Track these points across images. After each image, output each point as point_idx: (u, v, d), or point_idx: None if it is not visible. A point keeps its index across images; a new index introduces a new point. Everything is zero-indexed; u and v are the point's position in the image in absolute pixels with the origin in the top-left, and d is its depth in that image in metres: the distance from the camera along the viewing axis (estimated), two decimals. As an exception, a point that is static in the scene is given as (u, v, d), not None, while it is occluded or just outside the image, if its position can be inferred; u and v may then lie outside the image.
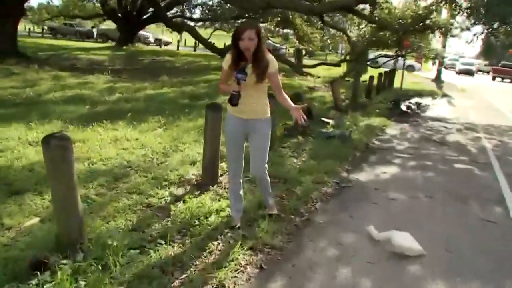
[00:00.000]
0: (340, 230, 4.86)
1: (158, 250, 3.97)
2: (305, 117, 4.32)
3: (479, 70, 51.80)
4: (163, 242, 4.10)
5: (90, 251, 3.76)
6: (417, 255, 4.34)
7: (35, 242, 3.87)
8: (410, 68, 37.89)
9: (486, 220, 5.42)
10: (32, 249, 3.73)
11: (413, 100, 17.38)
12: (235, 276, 3.79)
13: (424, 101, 18.17)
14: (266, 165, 4.61)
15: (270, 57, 4.24)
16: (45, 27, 47.01)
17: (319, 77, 21.98)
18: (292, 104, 4.35)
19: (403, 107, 14.74)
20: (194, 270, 3.80)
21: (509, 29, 15.78)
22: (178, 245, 4.15)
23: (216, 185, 5.72)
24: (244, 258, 4.07)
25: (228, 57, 4.27)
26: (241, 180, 4.72)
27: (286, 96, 4.39)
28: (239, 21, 33.08)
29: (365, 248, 4.47)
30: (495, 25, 15.51)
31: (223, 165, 6.28)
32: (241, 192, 4.73)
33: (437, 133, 11.38)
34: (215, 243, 4.26)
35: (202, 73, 19.78)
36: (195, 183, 5.77)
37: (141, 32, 40.96)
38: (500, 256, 4.54)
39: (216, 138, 5.70)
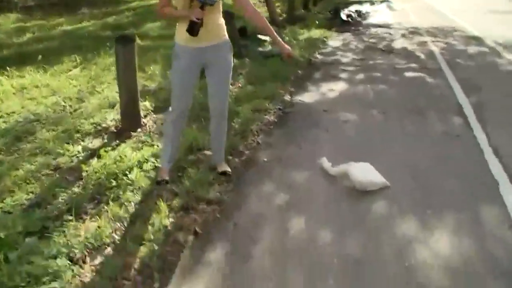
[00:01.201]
0: (289, 168, 4.13)
1: (63, 232, 3.13)
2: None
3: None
4: (70, 217, 3.26)
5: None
6: (380, 188, 3.68)
7: None
8: None
9: (448, 134, 4.81)
10: None
11: (353, 8, 16.50)
12: (165, 251, 3.02)
13: (364, 8, 17.34)
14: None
15: None
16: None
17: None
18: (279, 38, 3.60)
19: (343, 16, 13.93)
20: (111, 252, 3.00)
21: None
22: (90, 218, 3.32)
23: (139, 129, 4.84)
24: (174, 223, 3.30)
25: None
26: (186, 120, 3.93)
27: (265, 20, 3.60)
28: None
29: (319, 188, 3.79)
30: None
31: (146, 104, 5.39)
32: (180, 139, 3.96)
33: (381, 40, 10.70)
34: (137, 207, 3.46)
35: (126, 1, 18.15)
36: (115, 130, 4.87)
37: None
38: (469, 176, 3.94)
39: (132, 74, 4.79)
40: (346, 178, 3.74)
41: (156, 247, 3.03)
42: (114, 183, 3.74)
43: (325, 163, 4.00)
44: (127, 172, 3.88)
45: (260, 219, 3.36)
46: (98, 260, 2.95)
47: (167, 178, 3.81)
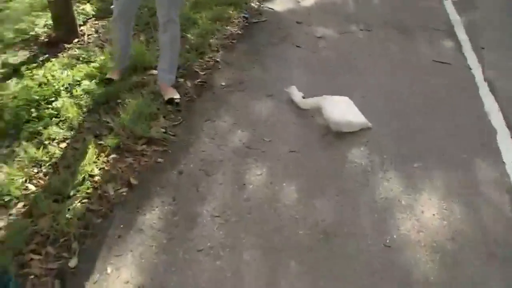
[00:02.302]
0: (251, 96, 3.47)
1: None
2: None
3: None
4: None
5: None
6: (360, 129, 3.07)
7: None
8: None
9: (438, 62, 4.11)
10: None
11: None
12: (89, 211, 2.41)
13: None
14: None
15: None
16: None
17: None
18: None
19: None
20: (21, 211, 2.38)
21: None
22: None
23: (76, 40, 4.01)
24: (104, 170, 2.66)
25: None
26: (133, 23, 3.42)
27: None
28: None
29: (286, 126, 3.15)
30: None
31: (86, 7, 4.50)
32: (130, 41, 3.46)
33: None
34: (61, 147, 2.79)
35: None
36: (46, 40, 4.02)
37: None
38: (462, 120, 3.35)
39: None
40: (319, 115, 3.11)
41: (77, 205, 2.41)
42: (34, 113, 3.02)
43: (295, 93, 3.34)
44: (52, 99, 3.15)
45: (211, 167, 2.74)
46: (3, 222, 2.32)
47: (116, 77, 3.36)
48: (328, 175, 2.70)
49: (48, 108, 3.07)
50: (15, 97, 3.14)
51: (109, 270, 2.14)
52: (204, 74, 3.70)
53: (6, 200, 2.43)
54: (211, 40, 4.17)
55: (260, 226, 2.36)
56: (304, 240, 2.29)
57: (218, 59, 3.94)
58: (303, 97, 3.29)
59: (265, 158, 2.82)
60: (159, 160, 2.78)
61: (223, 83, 3.60)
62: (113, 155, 2.76)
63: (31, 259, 2.16)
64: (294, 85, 3.40)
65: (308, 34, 4.50)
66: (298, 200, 2.53)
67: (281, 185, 2.62)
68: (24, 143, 2.76)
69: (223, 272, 2.13)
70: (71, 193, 2.48)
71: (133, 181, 2.61)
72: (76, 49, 3.84)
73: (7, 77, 3.43)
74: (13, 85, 3.29)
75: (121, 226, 2.36)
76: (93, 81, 3.39)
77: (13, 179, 2.53)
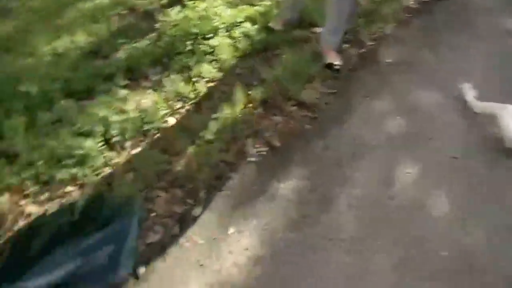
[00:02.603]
0: (416, 81, 3.08)
1: (109, 102, 2.45)
2: None
3: None
4: (125, 81, 2.62)
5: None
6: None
7: None
8: None
9: None
10: None
11: None
12: (223, 162, 2.27)
13: None
14: None
15: None
16: None
17: None
18: None
19: None
20: (158, 142, 2.31)
21: None
22: (148, 88, 2.61)
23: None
24: (246, 122, 2.50)
25: None
26: None
27: None
28: None
29: (451, 126, 2.73)
30: None
31: None
32: None
33: None
34: (209, 87, 2.68)
35: None
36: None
37: None
38: None
39: None
40: (493, 124, 2.65)
41: (213, 152, 2.28)
42: (189, 46, 2.92)
43: (468, 92, 2.89)
44: (209, 36, 3.03)
45: (360, 150, 2.46)
46: (139, 149, 2.26)
47: (278, 27, 3.19)
48: (489, 197, 2.29)
49: (203, 44, 2.97)
50: (174, 25, 3.08)
51: (230, 231, 2.00)
52: (371, 45, 3.38)
53: (145, 129, 2.37)
54: (384, 10, 3.79)
55: (400, 231, 2.07)
56: (445, 263, 1.96)
57: (388, 32, 3.57)
58: (476, 98, 2.84)
59: (420, 156, 2.47)
60: (307, 127, 2.56)
61: (390, 60, 3.25)
62: (259, 110, 2.58)
63: (158, 196, 2.08)
64: (469, 83, 2.95)
65: (497, 26, 3.90)
66: (448, 214, 2.17)
67: (433, 192, 2.28)
68: (172, 75, 2.68)
69: (347, 269, 1.89)
70: (209, 138, 2.35)
71: (276, 142, 2.42)
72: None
73: (171, 4, 3.38)
74: (175, 13, 3.23)
75: (253, 187, 2.19)
76: (255, 26, 3.22)
77: (158, 108, 2.46)
